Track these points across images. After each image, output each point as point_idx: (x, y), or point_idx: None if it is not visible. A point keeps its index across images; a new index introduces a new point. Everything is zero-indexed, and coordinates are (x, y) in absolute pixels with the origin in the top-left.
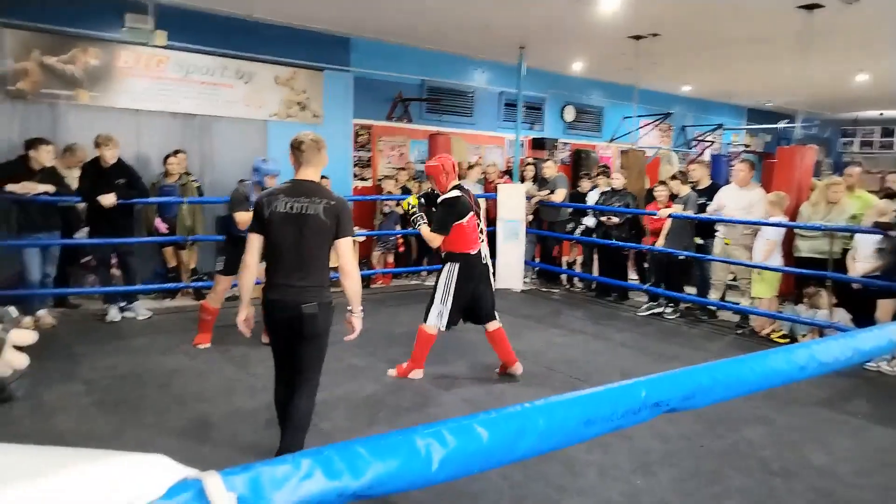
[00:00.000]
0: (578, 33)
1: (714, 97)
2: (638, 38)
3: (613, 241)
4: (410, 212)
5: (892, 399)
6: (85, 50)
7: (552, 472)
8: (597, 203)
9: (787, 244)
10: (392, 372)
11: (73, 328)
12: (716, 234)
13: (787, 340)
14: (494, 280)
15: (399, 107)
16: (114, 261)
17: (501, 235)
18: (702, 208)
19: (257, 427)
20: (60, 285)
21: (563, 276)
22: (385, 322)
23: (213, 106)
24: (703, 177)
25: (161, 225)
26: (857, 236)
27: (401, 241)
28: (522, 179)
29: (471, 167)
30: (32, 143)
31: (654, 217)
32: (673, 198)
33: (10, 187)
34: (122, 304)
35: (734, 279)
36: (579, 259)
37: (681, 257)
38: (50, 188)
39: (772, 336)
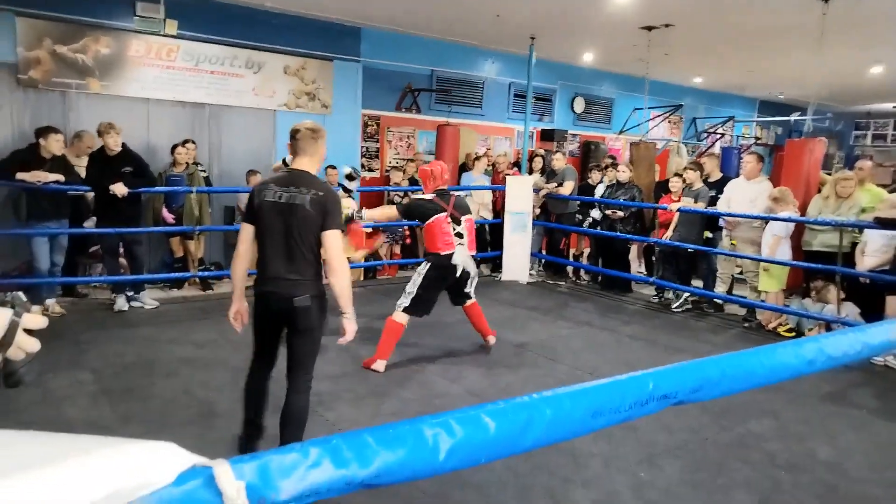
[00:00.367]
0: (590, 24)
1: (726, 89)
2: (650, 28)
3: (619, 234)
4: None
5: None
6: (96, 39)
7: (557, 463)
8: (602, 196)
9: (798, 238)
10: (366, 363)
11: (81, 317)
12: (721, 228)
13: (794, 334)
14: (501, 273)
15: (408, 97)
16: (121, 250)
17: (509, 227)
18: (713, 201)
19: (264, 416)
20: (69, 274)
21: (570, 269)
22: (390, 313)
23: (223, 95)
24: (713, 169)
25: (168, 215)
26: (868, 230)
27: (407, 232)
28: (531, 171)
29: (478, 158)
30: (42, 132)
31: (666, 210)
32: (684, 190)
33: (20, 175)
34: (130, 293)
35: (741, 272)
36: (587, 251)
37: (689, 250)
38: (60, 177)
39: (778, 330)
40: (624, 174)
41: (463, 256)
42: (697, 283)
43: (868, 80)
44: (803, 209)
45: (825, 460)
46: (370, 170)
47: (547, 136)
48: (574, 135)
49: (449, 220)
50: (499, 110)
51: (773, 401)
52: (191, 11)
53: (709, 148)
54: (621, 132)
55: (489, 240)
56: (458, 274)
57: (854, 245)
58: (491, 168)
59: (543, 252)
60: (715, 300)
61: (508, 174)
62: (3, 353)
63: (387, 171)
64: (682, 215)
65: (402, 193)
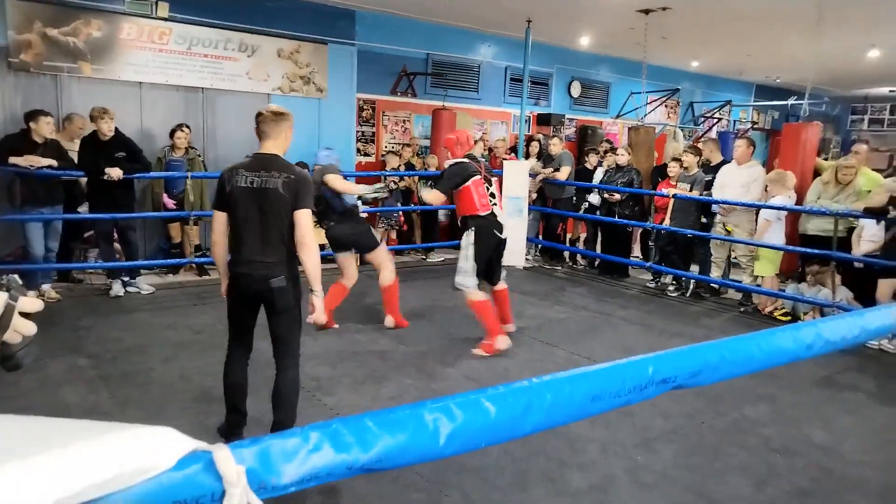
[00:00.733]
0: (586, 7)
1: (723, 73)
2: (647, 11)
3: (617, 219)
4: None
5: (894, 377)
6: (87, 22)
7: (554, 447)
8: (602, 180)
9: (794, 222)
10: (477, 351)
11: (77, 302)
12: (716, 214)
13: (790, 318)
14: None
15: (404, 81)
16: (115, 236)
17: (505, 212)
18: (710, 185)
19: (262, 401)
20: (63, 260)
21: (567, 253)
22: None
23: (217, 79)
24: (713, 153)
25: (168, 201)
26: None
27: (403, 219)
28: (527, 156)
29: (474, 142)
30: (32, 115)
31: (662, 196)
32: (680, 175)
33: (12, 160)
34: (126, 278)
35: (735, 257)
36: (583, 236)
37: (687, 235)
38: (53, 162)
39: (774, 314)
40: (623, 157)
41: (501, 218)
42: (695, 268)
43: (865, 63)
44: (800, 193)
45: (820, 444)
46: (366, 154)
47: (543, 120)
48: (571, 119)
49: (483, 181)
50: (495, 94)
51: (768, 385)
52: None
53: (706, 132)
54: (618, 116)
55: None
56: (502, 234)
57: (851, 230)
58: (488, 153)
59: (540, 237)
60: (712, 285)
61: (506, 159)
62: (0, 337)
63: (383, 155)
64: (678, 202)
65: (397, 179)
